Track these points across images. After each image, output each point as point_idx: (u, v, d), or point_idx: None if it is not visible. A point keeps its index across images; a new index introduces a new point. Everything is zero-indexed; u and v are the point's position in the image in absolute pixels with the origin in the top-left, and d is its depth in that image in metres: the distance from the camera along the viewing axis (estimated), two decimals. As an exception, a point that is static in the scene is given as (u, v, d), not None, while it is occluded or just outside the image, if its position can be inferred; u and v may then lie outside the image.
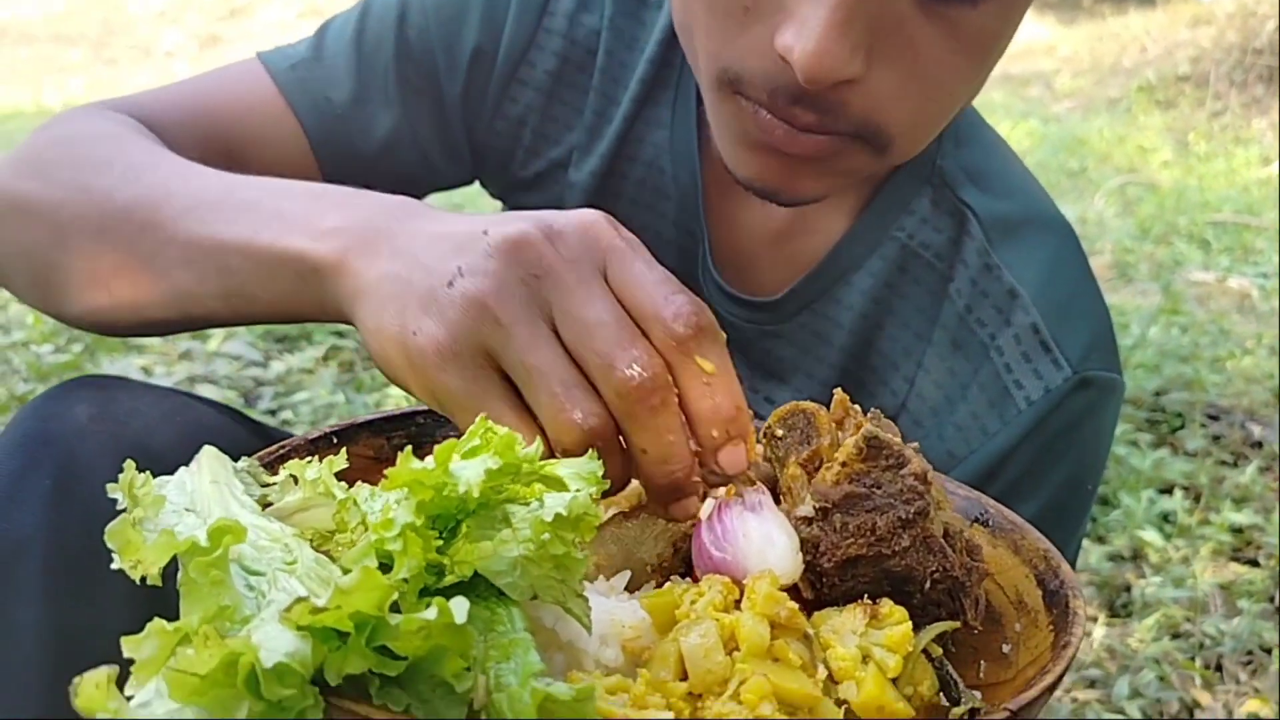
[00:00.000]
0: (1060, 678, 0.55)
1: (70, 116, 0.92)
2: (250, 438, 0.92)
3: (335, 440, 0.70)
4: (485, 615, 0.49)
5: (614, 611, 0.57)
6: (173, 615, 0.49)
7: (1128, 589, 2.09)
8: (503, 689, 0.46)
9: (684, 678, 0.53)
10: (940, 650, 0.61)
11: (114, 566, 0.51)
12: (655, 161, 0.99)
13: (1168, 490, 2.40)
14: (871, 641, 0.57)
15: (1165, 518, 2.31)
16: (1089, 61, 8.07)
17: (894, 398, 0.96)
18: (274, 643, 0.43)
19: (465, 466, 0.51)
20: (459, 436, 0.71)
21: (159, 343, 2.85)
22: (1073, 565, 1.00)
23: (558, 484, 0.53)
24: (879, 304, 0.95)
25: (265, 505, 0.59)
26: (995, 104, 7.16)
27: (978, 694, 0.59)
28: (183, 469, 0.59)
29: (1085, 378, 0.90)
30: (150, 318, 0.79)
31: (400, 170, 1.01)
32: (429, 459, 0.52)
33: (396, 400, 2.62)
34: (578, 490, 0.53)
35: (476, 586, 0.50)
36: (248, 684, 0.43)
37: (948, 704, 0.58)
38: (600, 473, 0.54)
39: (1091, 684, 1.85)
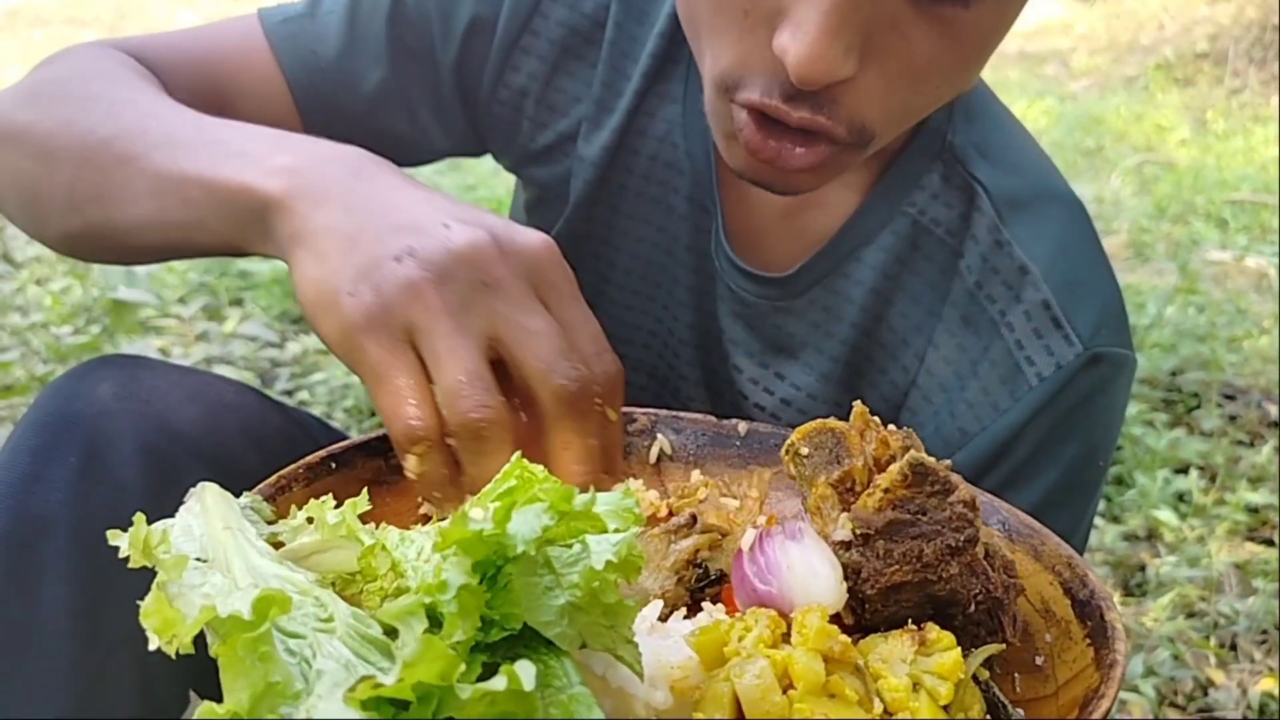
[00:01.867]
0: (1115, 698, 0.53)
1: (72, 52, 0.95)
2: (271, 415, 0.93)
3: (334, 465, 0.70)
4: (540, 670, 0.47)
5: (660, 652, 0.56)
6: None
7: (1142, 568, 2.09)
8: None
9: (740, 718, 0.52)
10: (986, 673, 0.60)
11: (151, 647, 0.50)
12: (668, 137, 0.99)
13: (1183, 470, 2.40)
14: (922, 669, 0.56)
15: (1180, 497, 2.31)
16: (1106, 39, 8.00)
17: (904, 374, 0.96)
18: None
19: (520, 523, 0.49)
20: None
21: (176, 324, 2.87)
22: (1085, 542, 1.00)
23: (595, 523, 0.51)
24: (890, 279, 0.95)
25: (276, 545, 0.57)
26: (1011, 82, 7.11)
27: (1021, 713, 0.59)
28: (183, 509, 0.57)
29: (1096, 354, 0.90)
30: (118, 243, 0.83)
31: (388, 129, 1.01)
32: (476, 511, 0.50)
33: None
34: (616, 529, 0.51)
35: (522, 635, 0.49)
36: None
37: None
38: (635, 509, 0.52)
39: (1105, 663, 1.86)
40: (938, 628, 0.58)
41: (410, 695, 0.43)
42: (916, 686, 0.55)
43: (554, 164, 1.03)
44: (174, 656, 0.49)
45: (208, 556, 0.54)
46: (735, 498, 0.74)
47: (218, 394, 0.86)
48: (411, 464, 0.63)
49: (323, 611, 0.49)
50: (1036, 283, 0.91)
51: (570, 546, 0.50)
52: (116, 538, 0.55)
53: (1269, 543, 2.18)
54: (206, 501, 0.58)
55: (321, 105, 0.99)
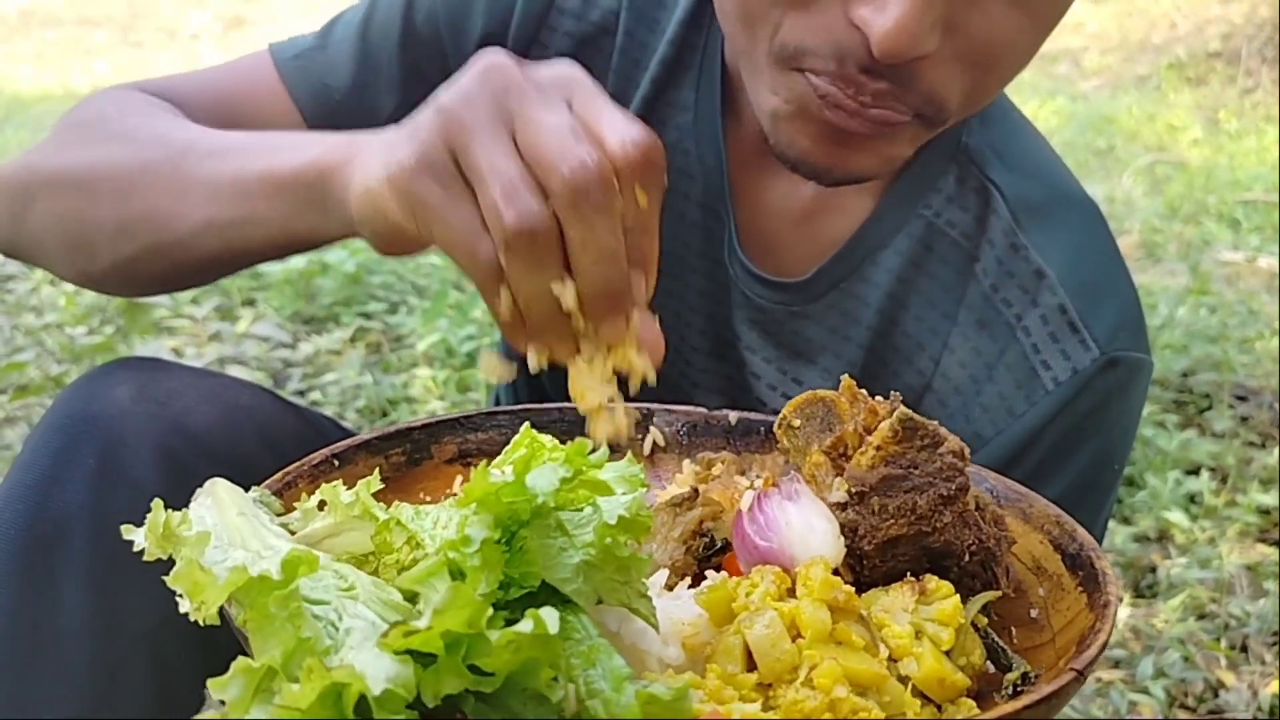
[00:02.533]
0: (1110, 634, 0.56)
1: (98, 97, 0.96)
2: (286, 418, 0.94)
3: (336, 463, 0.71)
4: (561, 624, 0.48)
5: (670, 610, 0.58)
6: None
7: (1153, 570, 2.09)
8: (595, 694, 0.47)
9: (750, 668, 0.54)
10: (986, 620, 0.62)
11: (181, 610, 0.51)
12: (679, 144, 0.99)
13: (1194, 471, 2.39)
14: (923, 618, 0.58)
15: (1192, 499, 2.30)
16: (1118, 38, 7.97)
17: (920, 377, 0.96)
18: (376, 670, 0.44)
19: (539, 476, 0.51)
20: (458, 448, 0.72)
21: (189, 324, 2.88)
22: (1099, 544, 1.00)
23: (603, 488, 0.53)
24: (905, 283, 0.96)
25: (290, 533, 0.59)
26: (1023, 82, 7.08)
27: (1022, 659, 0.61)
28: (194, 503, 0.59)
29: (1113, 358, 0.90)
30: (172, 260, 0.83)
31: None
32: (494, 470, 0.52)
33: (422, 381, 2.64)
34: (624, 493, 0.53)
35: (539, 595, 0.50)
36: (354, 713, 0.43)
37: (997, 671, 0.60)
38: (642, 475, 0.54)
39: (1116, 664, 1.85)
40: (936, 578, 0.60)
41: (439, 644, 0.44)
42: (919, 634, 0.57)
43: None
44: (201, 624, 0.50)
45: (225, 541, 0.56)
46: (748, 478, 0.76)
47: (234, 397, 0.87)
48: (505, 303, 0.60)
49: (343, 582, 0.51)
50: (1053, 287, 0.91)
51: (581, 510, 0.52)
52: (131, 532, 0.56)
53: (1280, 544, 2.18)
54: (218, 494, 0.59)
55: None
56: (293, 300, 3.11)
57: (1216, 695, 1.78)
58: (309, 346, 2.86)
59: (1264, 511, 2.25)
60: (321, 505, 0.59)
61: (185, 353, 2.74)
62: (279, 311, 3.08)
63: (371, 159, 0.66)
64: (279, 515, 0.62)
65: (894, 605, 0.59)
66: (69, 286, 3.10)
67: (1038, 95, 6.69)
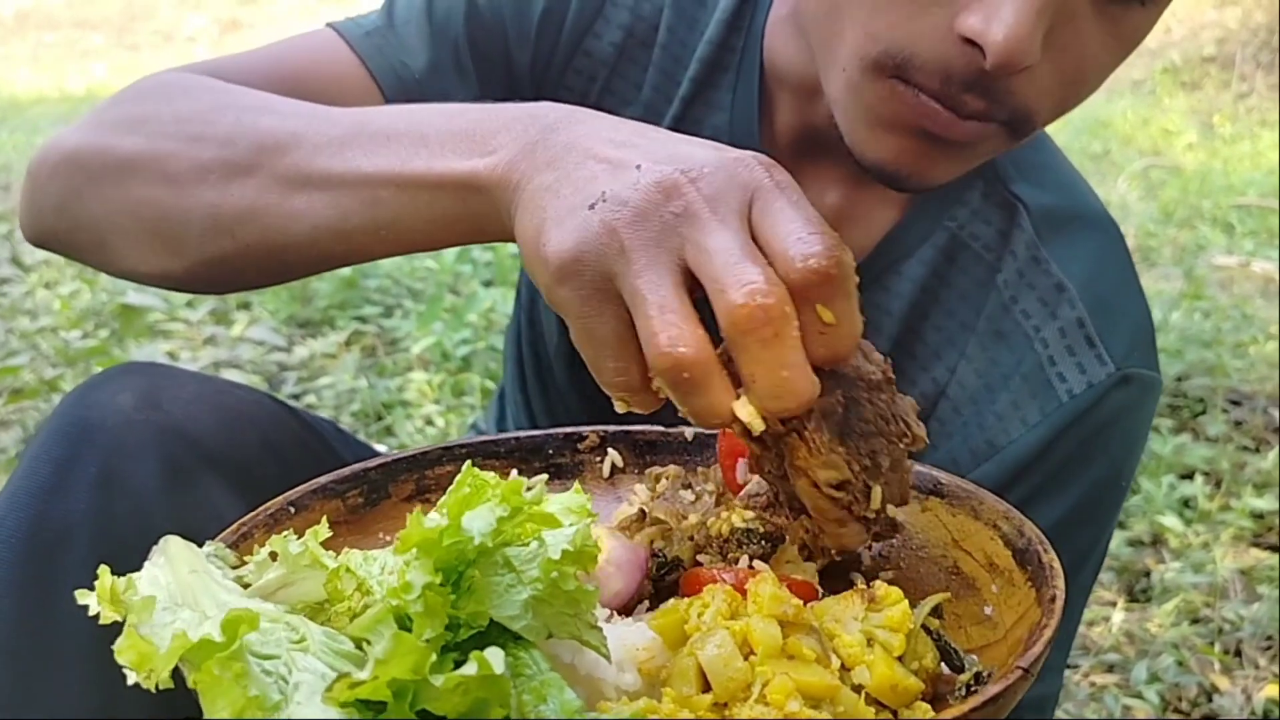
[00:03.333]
0: (1057, 630, 0.56)
1: (153, 78, 0.90)
2: (289, 424, 0.93)
3: (292, 510, 0.70)
4: (510, 662, 0.49)
5: (624, 636, 0.58)
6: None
7: (1147, 574, 2.10)
8: None
9: (706, 689, 0.55)
10: (937, 623, 0.63)
11: (130, 683, 0.51)
12: None
13: (1188, 475, 2.40)
14: (873, 625, 0.58)
15: (1186, 503, 2.31)
16: (1112, 43, 7.99)
17: (935, 385, 0.96)
18: None
19: (474, 518, 0.51)
20: (415, 486, 0.72)
21: (184, 328, 2.88)
22: (1103, 558, 1.01)
23: (550, 521, 0.53)
24: (927, 293, 0.96)
25: (244, 586, 0.59)
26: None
27: (975, 658, 0.61)
28: (149, 565, 0.58)
29: (1127, 374, 0.91)
30: (279, 260, 0.79)
31: None
32: (432, 515, 0.52)
33: (417, 385, 2.64)
34: (572, 524, 0.53)
35: (490, 634, 0.50)
36: None
37: (951, 672, 0.60)
38: (589, 505, 0.54)
39: (1110, 668, 1.86)
40: (886, 585, 0.61)
41: (386, 692, 0.45)
42: (870, 642, 0.58)
43: None
44: (154, 690, 0.50)
45: (177, 601, 0.56)
46: (693, 491, 0.76)
47: (237, 403, 0.87)
48: (620, 409, 0.61)
49: (294, 634, 0.51)
50: (1072, 300, 0.92)
51: (527, 545, 0.52)
52: (85, 597, 0.56)
53: (1274, 549, 2.18)
54: (170, 551, 0.58)
55: None
56: (288, 304, 3.11)
57: (1210, 700, 1.78)
58: (304, 350, 2.86)
59: (1258, 516, 2.26)
60: (274, 556, 0.58)
61: (180, 356, 2.74)
62: (274, 315, 3.08)
63: (534, 209, 0.63)
64: (235, 568, 0.62)
65: (844, 614, 0.59)
66: (64, 290, 3.10)
67: (1033, 99, 6.70)
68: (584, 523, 0.53)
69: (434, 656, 0.46)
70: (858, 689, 0.56)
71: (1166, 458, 2.41)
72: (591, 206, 0.59)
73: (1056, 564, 0.61)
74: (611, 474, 0.80)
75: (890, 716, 0.56)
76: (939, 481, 0.72)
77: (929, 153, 0.81)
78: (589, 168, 0.62)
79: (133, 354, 2.64)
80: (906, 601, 0.60)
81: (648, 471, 0.78)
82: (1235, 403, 2.74)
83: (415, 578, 0.48)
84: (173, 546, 0.59)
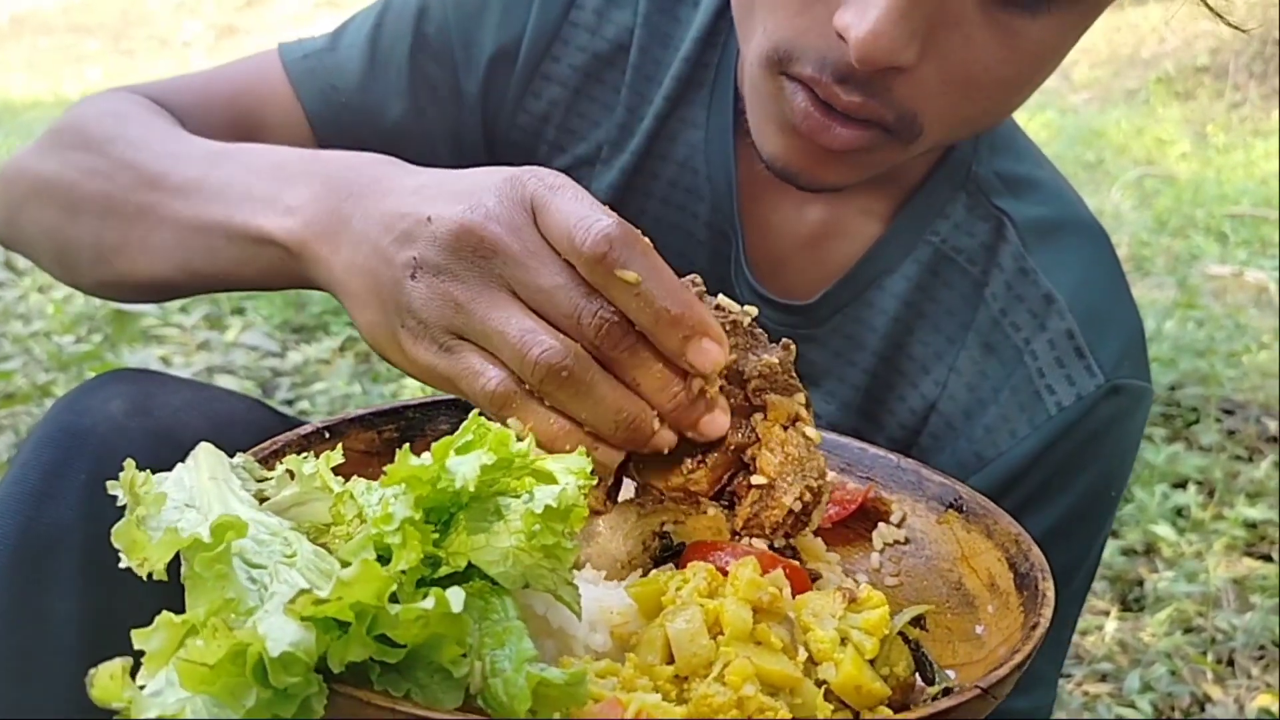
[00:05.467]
0: (1030, 657, 0.57)
1: (90, 100, 0.97)
2: (279, 429, 0.93)
3: (327, 435, 0.72)
4: (480, 604, 0.51)
5: (602, 599, 0.60)
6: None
7: (1140, 583, 2.10)
8: (498, 674, 0.49)
9: (671, 661, 0.56)
10: (917, 633, 0.63)
11: (121, 565, 0.53)
12: (688, 161, 0.99)
13: (1181, 485, 2.40)
14: (850, 625, 0.59)
15: (1179, 512, 2.31)
16: (1106, 52, 8.02)
17: (923, 400, 0.96)
18: (279, 633, 0.46)
19: (461, 462, 0.54)
20: (451, 429, 0.73)
21: (177, 333, 2.88)
22: (1095, 568, 1.01)
23: (548, 478, 0.56)
24: (912, 308, 0.96)
25: (262, 500, 0.61)
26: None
27: (951, 674, 0.62)
28: (180, 465, 0.61)
29: (1117, 385, 0.90)
30: (153, 290, 0.87)
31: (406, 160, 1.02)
32: (426, 455, 0.54)
33: (413, 391, 2.64)
34: (566, 483, 0.55)
35: (470, 577, 0.52)
36: (255, 673, 0.45)
37: (923, 684, 0.61)
38: (589, 468, 0.56)
39: (1103, 678, 1.86)
40: (870, 588, 0.62)
41: (348, 614, 0.46)
42: (845, 641, 0.58)
43: None
44: (145, 579, 0.52)
45: (195, 504, 0.58)
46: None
47: (229, 410, 0.87)
48: (516, 429, 0.63)
49: (288, 549, 0.54)
50: (1061, 311, 0.92)
51: (519, 497, 0.55)
52: (114, 487, 0.58)
53: (1267, 558, 2.18)
54: (200, 457, 0.62)
55: (340, 139, 0.99)
56: (282, 309, 3.11)
57: (1203, 709, 1.78)
58: (298, 355, 2.86)
59: (1251, 525, 2.26)
60: (290, 474, 0.61)
61: (173, 361, 2.73)
62: (268, 320, 3.07)
63: (362, 298, 0.69)
64: (259, 481, 0.64)
65: (823, 610, 0.60)
66: (57, 294, 3.10)
67: (1026, 109, 6.70)
68: (573, 482, 0.55)
69: (394, 586, 0.48)
70: (821, 684, 0.56)
71: (1159, 467, 2.41)
72: (413, 276, 0.65)
73: (1050, 593, 0.61)
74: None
75: (851, 716, 0.56)
76: (960, 496, 0.72)
77: (818, 155, 0.81)
78: (389, 234, 0.67)
79: (126, 359, 2.63)
80: (887, 607, 0.60)
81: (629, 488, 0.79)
82: (1228, 412, 2.74)
83: (397, 510, 0.51)
84: (203, 453, 0.62)
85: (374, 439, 0.74)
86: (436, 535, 0.52)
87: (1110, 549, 2.16)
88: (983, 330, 0.94)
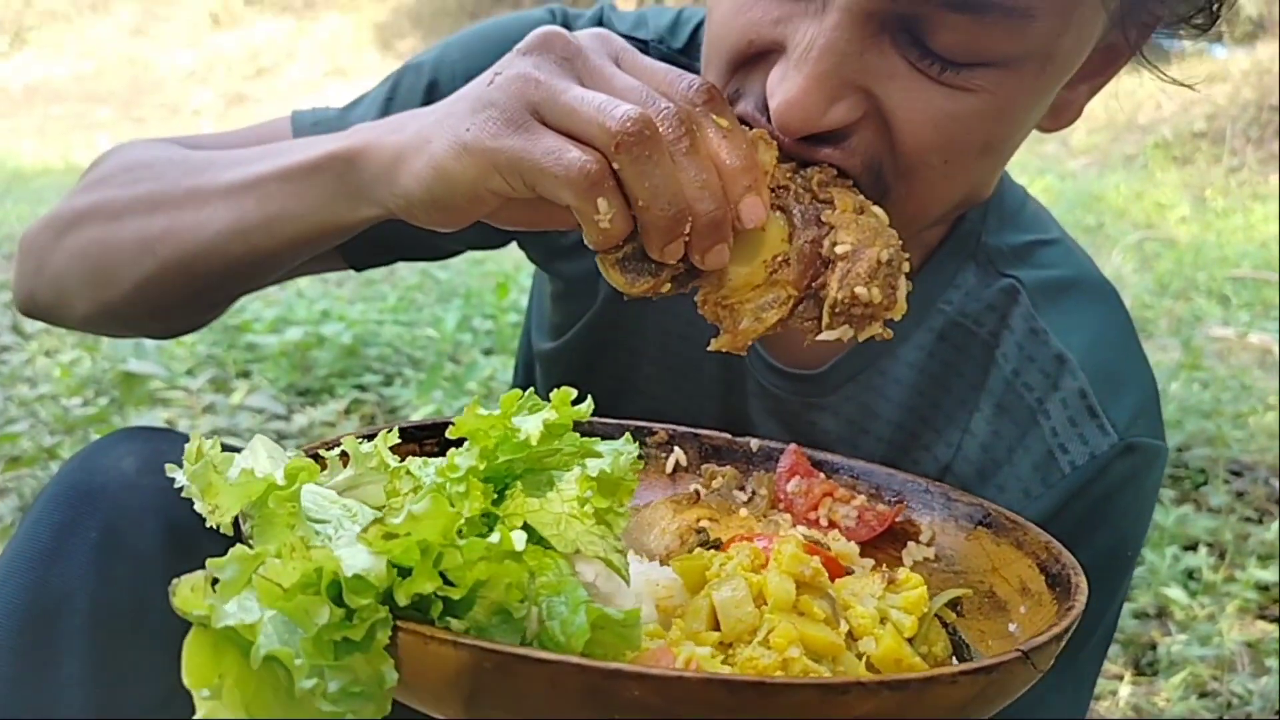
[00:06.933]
0: (1068, 630, 0.57)
1: (123, 147, 1.00)
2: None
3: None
4: (535, 561, 0.54)
5: (648, 573, 0.63)
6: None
7: (1153, 647, 2.07)
8: (555, 616, 0.51)
9: (716, 629, 0.57)
10: (954, 617, 0.65)
11: (196, 507, 0.56)
12: None
13: (1192, 547, 2.38)
14: (889, 604, 0.61)
15: (1190, 575, 2.29)
16: (1104, 118, 8.12)
17: (937, 463, 0.96)
18: (353, 559, 0.49)
19: (526, 419, 0.57)
20: None
21: (183, 396, 2.88)
22: (1113, 628, 0.99)
23: (594, 454, 0.59)
24: (924, 375, 0.96)
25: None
26: (1011, 160, 7.20)
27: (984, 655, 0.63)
28: (237, 455, 0.63)
29: (1130, 444, 0.90)
30: (195, 274, 0.87)
31: (413, 229, 1.03)
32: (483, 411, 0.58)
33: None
34: (618, 454, 0.58)
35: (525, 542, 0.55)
36: (329, 591, 0.48)
37: (959, 664, 0.62)
38: (636, 453, 0.60)
39: (1118, 744, 1.83)
40: (908, 571, 0.64)
41: (414, 553, 0.49)
42: (883, 619, 0.60)
43: (582, 259, 1.03)
44: (217, 529, 0.55)
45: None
46: (746, 492, 0.81)
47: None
48: (603, 209, 0.65)
49: (349, 512, 0.57)
50: (1074, 371, 0.91)
51: (572, 470, 0.58)
52: (173, 471, 0.61)
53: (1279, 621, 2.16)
54: (256, 447, 0.64)
55: None
56: (288, 372, 3.12)
57: (1221, 776, 1.75)
58: (303, 418, 2.86)
59: (1263, 588, 2.24)
60: (344, 457, 0.63)
61: (179, 424, 2.73)
62: (274, 383, 3.08)
63: (433, 134, 0.71)
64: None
65: (863, 590, 0.62)
66: (64, 358, 3.11)
67: (1027, 173, 6.79)
68: (627, 449, 0.59)
69: (461, 523, 0.51)
70: (861, 657, 0.57)
71: (1170, 529, 2.40)
72: (490, 83, 0.69)
73: (1084, 585, 0.63)
74: (674, 471, 0.84)
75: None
76: (988, 513, 0.74)
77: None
78: (468, 88, 0.72)
79: (132, 421, 2.63)
80: (925, 589, 0.62)
81: (705, 467, 0.82)
82: (1236, 473, 2.73)
83: (463, 460, 0.55)
84: (259, 444, 0.65)
85: (414, 450, 0.76)
86: (495, 496, 0.56)
87: (1123, 612, 2.14)
88: (995, 391, 0.94)
